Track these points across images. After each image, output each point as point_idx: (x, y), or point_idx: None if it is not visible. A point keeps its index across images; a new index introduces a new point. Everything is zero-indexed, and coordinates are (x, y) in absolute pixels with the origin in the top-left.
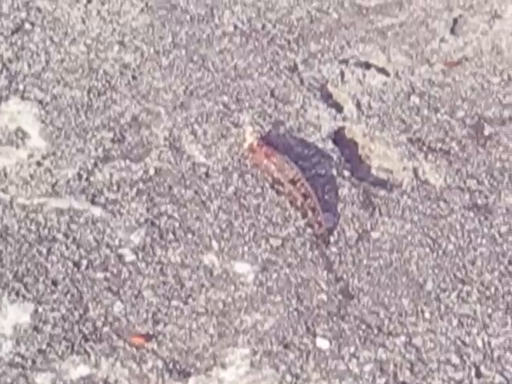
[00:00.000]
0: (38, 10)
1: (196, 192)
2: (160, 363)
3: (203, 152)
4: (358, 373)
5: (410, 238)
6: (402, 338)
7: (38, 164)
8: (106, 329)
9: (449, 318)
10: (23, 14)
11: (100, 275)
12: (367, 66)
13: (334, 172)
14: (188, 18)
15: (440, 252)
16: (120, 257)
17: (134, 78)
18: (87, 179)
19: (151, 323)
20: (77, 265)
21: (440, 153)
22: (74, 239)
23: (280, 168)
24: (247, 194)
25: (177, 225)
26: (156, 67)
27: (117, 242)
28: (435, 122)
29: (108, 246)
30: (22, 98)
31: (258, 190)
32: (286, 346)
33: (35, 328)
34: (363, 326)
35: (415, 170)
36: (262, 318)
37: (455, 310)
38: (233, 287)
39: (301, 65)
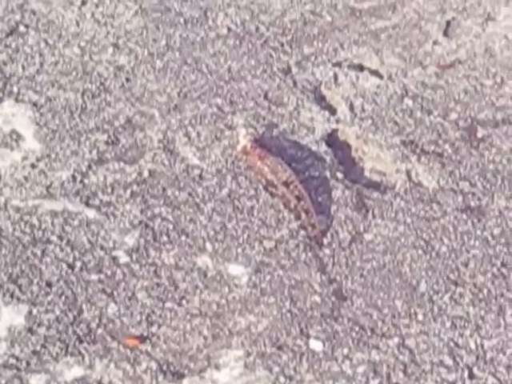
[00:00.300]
0: (33, 12)
1: (190, 194)
2: (154, 365)
3: (197, 154)
4: (351, 374)
5: (403, 239)
6: (396, 340)
7: (33, 166)
8: (100, 330)
9: (442, 320)
10: (17, 17)
11: (94, 277)
12: (360, 68)
13: (328, 174)
14: (182, 20)
15: (433, 254)
16: (114, 259)
17: (128, 80)
18: (81, 181)
19: (145, 325)
20: (71, 267)
21: (433, 155)
22: (69, 241)
23: (273, 170)
24: (241, 196)
25: (171, 227)
26: (150, 69)
27: (111, 244)
28: (428, 125)
29: (102, 247)
30: (17, 100)
31: (252, 192)
32: (279, 348)
33: (29, 330)
34: (356, 328)
35: (408, 172)
36: (255, 319)
37: (448, 311)
38: (227, 289)
39: (294, 67)
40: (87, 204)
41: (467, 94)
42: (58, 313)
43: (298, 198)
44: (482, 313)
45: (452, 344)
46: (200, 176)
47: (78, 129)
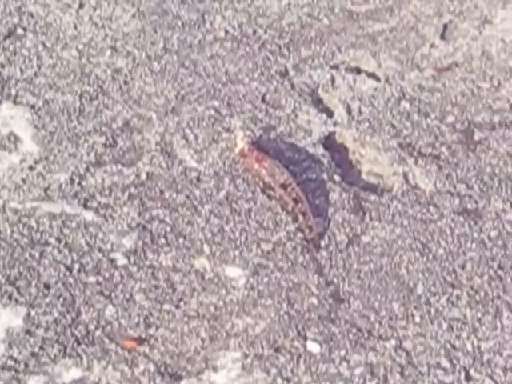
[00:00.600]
0: (31, 15)
1: (187, 196)
2: (152, 366)
3: (195, 157)
4: (348, 376)
5: (400, 242)
6: (393, 342)
7: (31, 168)
8: (98, 332)
9: (439, 322)
10: (15, 19)
11: (92, 279)
12: (358, 71)
13: (325, 177)
14: (179, 23)
15: (430, 256)
16: (112, 261)
17: (125, 83)
18: (79, 184)
19: (143, 327)
20: (69, 269)
21: (430, 158)
22: (67, 243)
23: (271, 173)
24: (238, 199)
25: (168, 229)
26: (148, 72)
27: (109, 246)
28: (425, 127)
29: (100, 250)
30: (15, 102)
31: (249, 195)
32: (276, 350)
33: (28, 331)
34: (354, 330)
35: (405, 175)
36: (253, 321)
37: (445, 313)
38: (224, 291)
39: (292, 70)
40: (85, 206)
41: (464, 97)
42: (56, 315)
43: (296, 201)
44: (479, 315)
45: (449, 346)
46: (198, 178)
47: (75, 131)
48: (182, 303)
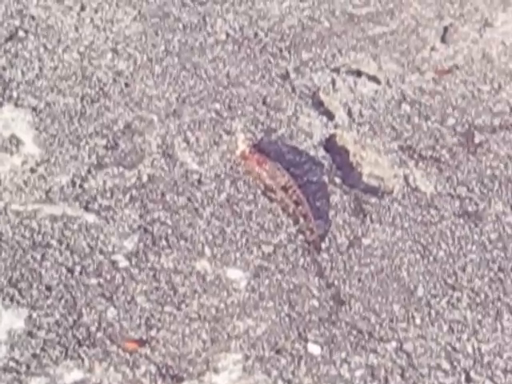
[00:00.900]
0: (32, 17)
1: (189, 199)
2: (153, 368)
3: (196, 159)
4: (349, 378)
5: (400, 244)
6: (393, 344)
7: (32, 171)
8: (99, 334)
9: (439, 324)
10: (17, 22)
11: (94, 281)
12: (358, 73)
13: (326, 179)
14: (181, 26)
15: (430, 258)
16: (113, 263)
17: (127, 85)
18: (81, 186)
19: (144, 328)
20: (70, 271)
21: (431, 160)
22: (68, 245)
23: (272, 175)
24: (239, 201)
25: (170, 231)
26: (149, 75)
27: (110, 249)
28: (426, 130)
29: (101, 252)
30: (16, 105)
31: (250, 197)
32: (277, 352)
33: (29, 333)
34: (354, 332)
35: (406, 178)
36: (254, 323)
37: (445, 315)
38: (225, 293)
39: (292, 73)
40: (86, 208)
41: (464, 100)
42: (57, 316)
43: (297, 203)
44: (479, 317)
45: (449, 348)
46: (199, 181)
47: (77, 133)
48: (183, 305)
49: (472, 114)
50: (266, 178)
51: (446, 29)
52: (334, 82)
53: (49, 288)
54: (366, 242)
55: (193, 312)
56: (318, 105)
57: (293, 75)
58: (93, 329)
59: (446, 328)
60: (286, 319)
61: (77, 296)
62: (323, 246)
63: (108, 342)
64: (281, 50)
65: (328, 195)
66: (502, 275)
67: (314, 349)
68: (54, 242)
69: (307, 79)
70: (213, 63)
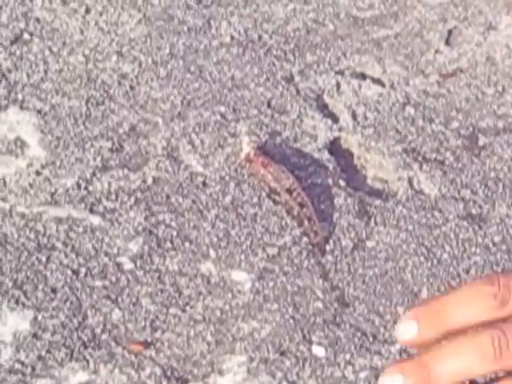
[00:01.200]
0: (37, 20)
1: (193, 201)
2: (158, 370)
3: (200, 162)
4: (353, 380)
5: (404, 246)
6: (397, 346)
7: (37, 173)
8: (104, 336)
9: None
10: (22, 25)
11: (99, 283)
12: (363, 76)
13: (330, 182)
14: (185, 28)
15: (435, 261)
16: (118, 265)
17: (131, 88)
18: (86, 188)
19: (149, 330)
20: (76, 273)
21: (435, 163)
22: (73, 247)
23: (276, 178)
24: (244, 204)
25: (174, 233)
26: (154, 77)
27: (115, 251)
28: (430, 133)
29: (106, 254)
30: (21, 107)
31: (255, 200)
32: (282, 354)
33: (35, 335)
34: (359, 334)
35: (410, 180)
36: (258, 325)
37: None
38: (230, 295)
39: (297, 75)
40: (91, 211)
41: (469, 103)
42: (62, 318)
43: (301, 205)
44: None
45: None
46: (203, 183)
47: (82, 136)
48: (188, 307)
49: (476, 116)
50: (270, 180)
51: (450, 32)
52: (338, 85)
53: (54, 290)
54: (370, 244)
55: (197, 314)
56: (323, 107)
57: (297, 78)
58: (98, 331)
59: None
60: (291, 321)
61: (82, 298)
62: (327, 248)
63: (113, 343)
64: (285, 53)
65: (332, 198)
66: None
67: (319, 351)
68: (59, 244)
69: (312, 82)
70: (217, 66)
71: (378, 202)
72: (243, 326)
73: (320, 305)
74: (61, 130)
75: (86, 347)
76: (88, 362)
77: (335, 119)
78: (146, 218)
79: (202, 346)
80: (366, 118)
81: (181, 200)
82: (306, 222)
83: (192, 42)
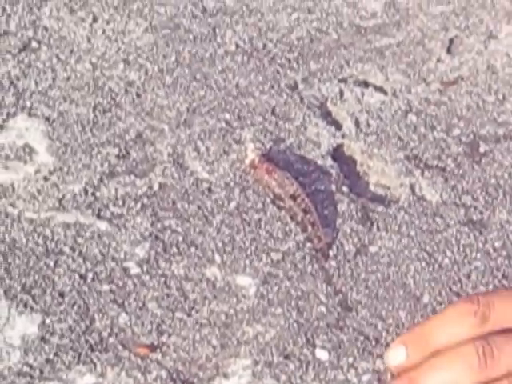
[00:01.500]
0: (45, 28)
1: (199, 207)
2: (164, 373)
3: (206, 168)
4: (356, 383)
5: (406, 252)
6: None
7: (45, 179)
8: (111, 339)
9: None
10: (30, 33)
11: (106, 287)
12: (365, 84)
13: (333, 188)
14: (191, 37)
15: (436, 266)
16: (125, 270)
17: (138, 95)
18: (93, 194)
19: (155, 334)
20: (83, 277)
21: (436, 169)
22: (81, 252)
23: (281, 184)
24: (249, 209)
25: (180, 239)
26: (160, 85)
27: (122, 256)
28: (432, 140)
29: (113, 259)
30: (30, 114)
31: (260, 206)
32: (286, 357)
33: (43, 338)
34: (361, 338)
35: (412, 187)
36: (263, 329)
37: None
38: (235, 299)
39: (301, 83)
40: (99, 216)
41: (470, 110)
42: (70, 322)
43: (305, 211)
44: None
45: None
46: (209, 189)
47: (89, 143)
48: (193, 311)
49: (477, 124)
50: (274, 186)
51: (451, 40)
52: (341, 93)
53: (62, 294)
54: (372, 249)
55: (203, 318)
56: (326, 115)
57: (301, 86)
58: (105, 334)
59: None
60: (295, 325)
61: (89, 302)
62: (331, 253)
63: (120, 347)
64: (289, 61)
65: (336, 204)
66: (505, 282)
67: (322, 354)
68: (66, 249)
69: (315, 90)
70: (222, 74)
71: (380, 208)
72: (248, 330)
73: (323, 309)
74: (68, 136)
75: (93, 350)
76: (95, 365)
77: (338, 126)
78: (152, 224)
79: (208, 350)
80: (368, 125)
81: (186, 206)
82: (309, 228)
83: (198, 50)
